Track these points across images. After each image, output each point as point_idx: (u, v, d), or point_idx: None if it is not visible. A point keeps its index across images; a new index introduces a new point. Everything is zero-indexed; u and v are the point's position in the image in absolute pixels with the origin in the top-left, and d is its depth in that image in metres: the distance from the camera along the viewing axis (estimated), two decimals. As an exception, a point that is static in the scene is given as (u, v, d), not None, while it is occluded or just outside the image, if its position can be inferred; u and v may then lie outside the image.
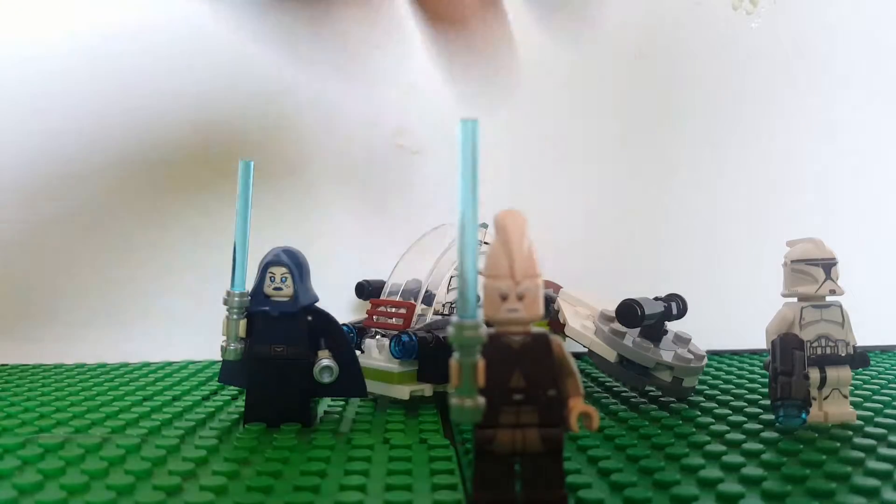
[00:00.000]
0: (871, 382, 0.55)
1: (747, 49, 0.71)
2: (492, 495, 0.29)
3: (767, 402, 0.47)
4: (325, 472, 0.35)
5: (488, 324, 0.29)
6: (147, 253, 0.67)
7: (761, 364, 0.63)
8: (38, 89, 0.67)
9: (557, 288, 0.58)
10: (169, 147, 0.68)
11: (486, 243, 0.51)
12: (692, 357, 0.50)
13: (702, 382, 0.55)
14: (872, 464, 0.36)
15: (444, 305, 0.53)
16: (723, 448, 0.38)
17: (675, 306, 0.51)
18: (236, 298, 0.42)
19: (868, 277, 0.64)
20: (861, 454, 0.37)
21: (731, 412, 0.46)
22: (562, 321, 0.52)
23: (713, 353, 0.68)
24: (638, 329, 0.49)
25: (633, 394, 0.52)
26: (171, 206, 0.67)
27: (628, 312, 0.48)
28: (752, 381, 0.56)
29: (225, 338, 0.42)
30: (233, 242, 0.43)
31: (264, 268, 0.43)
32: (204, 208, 0.66)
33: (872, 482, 0.33)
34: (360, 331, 0.51)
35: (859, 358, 0.44)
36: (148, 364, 0.64)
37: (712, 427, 0.43)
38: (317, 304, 0.44)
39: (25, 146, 0.67)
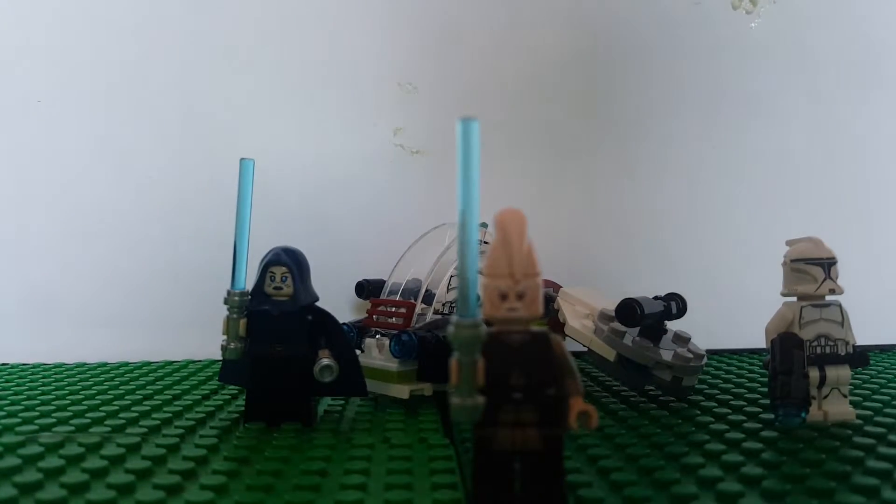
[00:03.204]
0: (871, 381, 0.55)
1: (746, 48, 0.71)
2: (491, 494, 0.29)
3: (767, 401, 0.46)
4: (326, 471, 0.35)
5: (488, 323, 0.29)
6: (147, 251, 0.67)
7: (761, 363, 0.63)
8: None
9: (557, 287, 0.58)
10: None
11: (486, 242, 0.51)
12: (692, 356, 0.50)
13: (701, 381, 0.55)
14: (872, 463, 0.36)
15: (444, 305, 0.53)
16: (722, 447, 0.38)
17: (674, 305, 0.52)
18: (236, 297, 0.42)
19: (867, 277, 0.64)
20: (860, 453, 0.37)
21: (730, 411, 0.46)
22: (561, 320, 0.52)
23: (713, 353, 0.68)
24: (637, 328, 0.49)
25: (633, 393, 0.52)
26: (170, 205, 0.67)
27: (628, 311, 0.48)
28: (751, 380, 0.56)
29: (225, 337, 0.42)
30: (233, 241, 0.43)
31: (264, 267, 0.43)
32: (205, 208, 0.67)
33: (872, 481, 0.33)
34: (360, 330, 0.51)
35: (859, 357, 0.44)
36: (148, 363, 0.64)
37: (712, 426, 0.43)
38: (317, 304, 0.44)
39: (22, 147, 0.67)
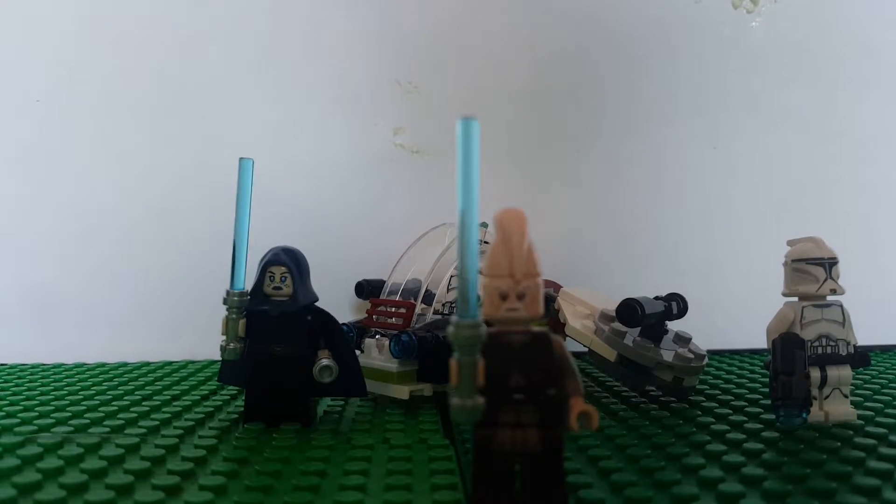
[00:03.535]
0: (872, 382, 0.55)
1: (747, 47, 0.71)
2: (492, 495, 0.29)
3: (768, 401, 0.46)
4: (325, 471, 0.35)
5: (488, 323, 0.29)
6: (146, 252, 0.67)
7: (762, 363, 0.63)
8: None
9: (558, 287, 0.58)
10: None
11: (486, 242, 0.51)
12: (692, 356, 0.49)
13: (702, 382, 0.55)
14: (873, 463, 0.36)
15: (444, 305, 0.53)
16: (723, 448, 0.38)
17: (675, 306, 0.51)
18: (236, 297, 0.42)
19: (869, 276, 0.64)
20: (861, 454, 0.37)
21: (731, 412, 0.46)
22: (562, 320, 0.52)
23: (713, 353, 0.68)
24: (638, 328, 0.49)
25: (634, 393, 0.52)
26: (170, 205, 0.67)
27: (628, 312, 0.48)
28: (752, 380, 0.56)
29: (224, 337, 0.42)
30: (232, 241, 0.42)
31: (264, 267, 0.43)
32: (205, 208, 0.66)
33: (873, 482, 0.33)
34: (359, 330, 0.51)
35: (860, 357, 0.44)
36: (147, 364, 0.64)
37: (713, 427, 0.43)
38: (316, 304, 0.44)
39: (20, 147, 0.67)
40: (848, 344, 0.43)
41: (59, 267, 0.66)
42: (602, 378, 0.58)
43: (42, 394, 0.52)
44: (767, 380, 0.44)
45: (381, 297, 0.54)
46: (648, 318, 0.48)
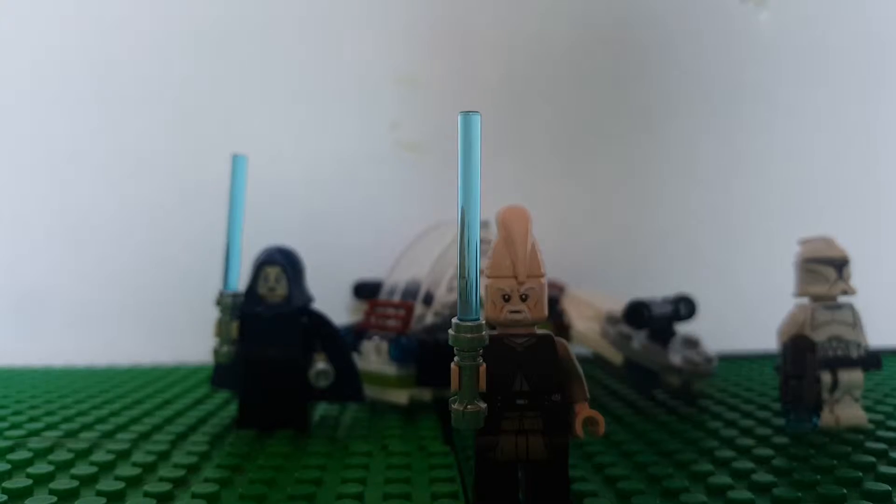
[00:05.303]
0: (883, 385, 0.55)
1: (756, 42, 0.71)
2: (494, 504, 0.29)
3: (778, 406, 0.46)
4: (321, 479, 0.34)
5: (490, 325, 0.29)
6: (137, 252, 0.66)
7: (773, 367, 0.62)
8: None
9: (562, 288, 0.57)
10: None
11: (487, 242, 0.50)
12: (701, 360, 0.49)
13: (711, 386, 0.54)
14: (884, 468, 0.35)
15: (444, 306, 0.52)
16: (732, 454, 0.38)
17: (683, 307, 0.51)
18: (229, 299, 0.41)
19: (881, 277, 0.63)
20: (872, 459, 0.37)
21: (741, 416, 0.46)
22: (567, 322, 0.52)
23: (723, 356, 0.67)
24: (645, 331, 0.49)
25: (641, 398, 0.51)
26: (162, 205, 0.67)
27: (636, 314, 0.48)
28: (762, 384, 0.56)
29: (217, 340, 0.42)
30: (224, 241, 0.42)
31: (258, 267, 0.42)
32: (197, 206, 0.66)
33: (883, 487, 0.33)
34: (357, 333, 0.51)
35: (871, 359, 0.43)
36: (138, 367, 0.64)
37: (722, 432, 0.42)
38: (312, 306, 0.43)
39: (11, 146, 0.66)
40: (859, 346, 0.43)
41: (48, 269, 0.66)
42: (608, 382, 0.57)
43: (32, 397, 0.51)
44: (778, 383, 0.43)
45: (379, 298, 0.53)
46: (656, 320, 0.48)
